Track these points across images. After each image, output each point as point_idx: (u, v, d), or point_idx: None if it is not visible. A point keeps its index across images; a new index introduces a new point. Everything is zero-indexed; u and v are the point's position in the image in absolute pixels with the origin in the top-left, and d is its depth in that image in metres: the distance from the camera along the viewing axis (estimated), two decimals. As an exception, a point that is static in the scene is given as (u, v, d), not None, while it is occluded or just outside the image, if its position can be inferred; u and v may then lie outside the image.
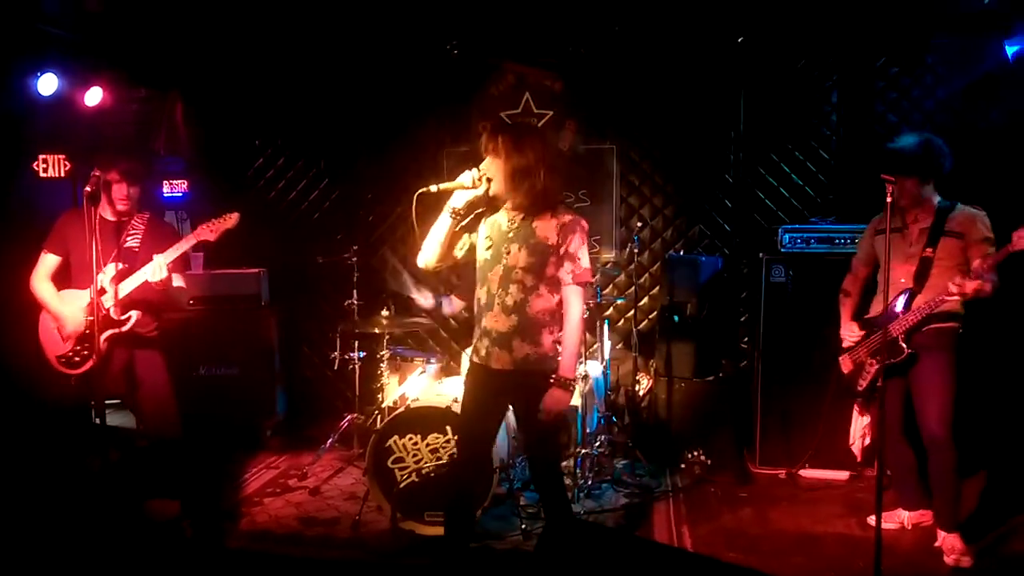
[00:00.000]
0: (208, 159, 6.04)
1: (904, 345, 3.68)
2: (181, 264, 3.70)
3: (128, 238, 3.71)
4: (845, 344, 4.02)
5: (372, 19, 5.02)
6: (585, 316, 3.18)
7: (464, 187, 3.13)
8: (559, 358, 3.10)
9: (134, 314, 3.65)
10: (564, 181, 3.08)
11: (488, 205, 3.23)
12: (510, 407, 3.34)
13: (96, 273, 3.17)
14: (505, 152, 3.08)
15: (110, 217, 3.73)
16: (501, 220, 3.20)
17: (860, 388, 3.89)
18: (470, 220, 3.25)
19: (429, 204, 3.15)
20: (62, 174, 5.42)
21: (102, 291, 3.56)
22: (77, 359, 3.66)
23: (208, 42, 5.37)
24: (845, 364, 4.00)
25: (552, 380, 3.06)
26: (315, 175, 6.15)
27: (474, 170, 3.15)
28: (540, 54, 5.52)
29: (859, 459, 4.21)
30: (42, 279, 3.72)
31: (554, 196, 3.17)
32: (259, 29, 5.24)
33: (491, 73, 5.79)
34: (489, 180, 3.12)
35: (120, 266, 3.63)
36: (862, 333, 3.93)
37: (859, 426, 4.09)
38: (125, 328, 3.64)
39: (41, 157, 5.38)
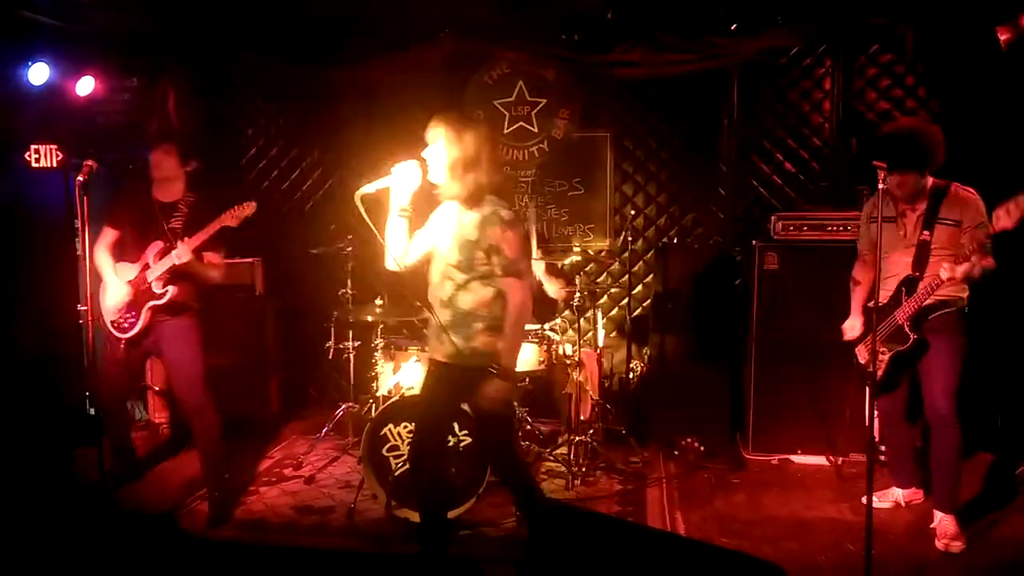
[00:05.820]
0: (201, 148, 6.01)
1: (910, 332, 3.70)
2: (212, 244, 3.99)
3: (174, 219, 4.00)
4: (846, 338, 4.05)
5: (365, 6, 4.99)
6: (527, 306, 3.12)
7: (399, 182, 3.15)
8: (496, 351, 3.10)
9: (171, 289, 3.96)
10: (503, 180, 3.10)
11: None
12: None
13: (87, 254, 3.55)
14: (447, 141, 3.10)
15: (162, 198, 4.03)
16: (447, 213, 3.22)
17: (878, 377, 3.90)
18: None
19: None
20: (54, 164, 5.39)
21: (147, 266, 3.95)
22: (125, 325, 4.01)
23: (200, 31, 5.33)
24: (861, 355, 4.01)
25: (492, 370, 3.06)
26: (308, 165, 6.14)
27: (409, 161, 3.18)
28: (533, 41, 5.50)
29: (878, 439, 4.24)
30: (101, 248, 4.04)
31: (486, 191, 3.13)
32: (251, 17, 5.21)
33: (484, 61, 5.78)
34: (429, 166, 3.12)
35: (161, 244, 3.96)
36: (863, 330, 3.96)
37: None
38: (163, 301, 3.96)
39: (33, 147, 5.36)
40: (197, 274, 4.02)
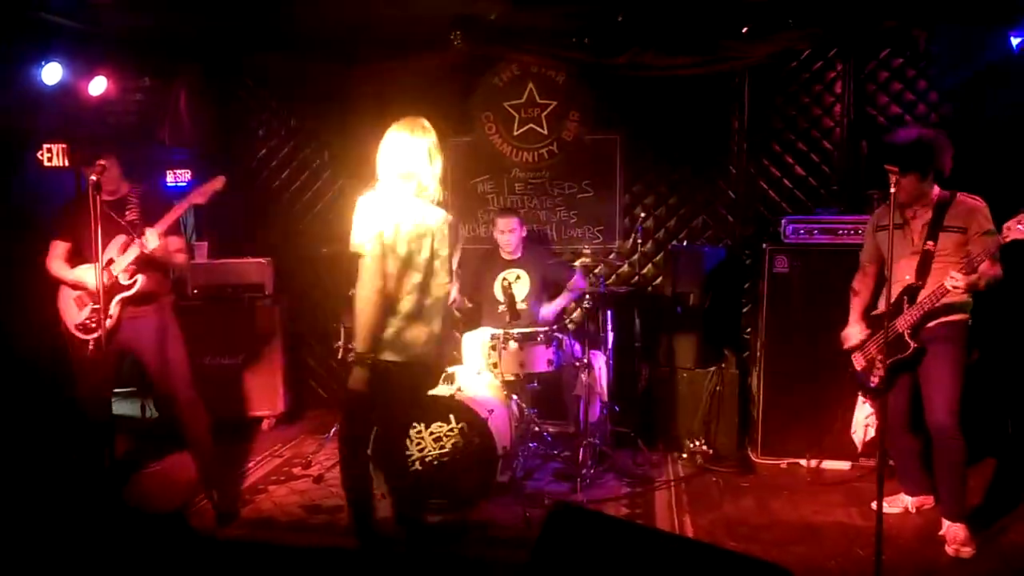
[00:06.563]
0: (212, 148, 6.05)
1: (910, 341, 3.68)
2: (174, 228, 3.99)
3: (127, 212, 3.97)
4: (845, 346, 4.03)
5: (375, 7, 5.01)
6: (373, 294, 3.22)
7: None
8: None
9: (140, 278, 3.92)
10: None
11: None
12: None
13: (100, 256, 3.42)
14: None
15: (108, 198, 3.93)
16: None
17: (873, 384, 3.89)
18: None
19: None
20: (66, 163, 5.43)
21: (111, 261, 3.85)
22: (93, 324, 3.89)
23: (213, 31, 5.36)
24: (857, 361, 3.99)
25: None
26: (319, 165, 6.16)
27: None
28: (544, 44, 5.50)
29: (860, 450, 4.23)
30: (56, 261, 3.98)
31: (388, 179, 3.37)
32: (263, 18, 5.23)
33: (494, 63, 5.78)
34: None
35: (123, 238, 3.91)
36: (862, 338, 3.96)
37: (861, 416, 4.10)
38: (133, 291, 3.91)
39: (45, 146, 5.39)
40: (165, 261, 3.99)
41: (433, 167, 3.38)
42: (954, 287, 3.47)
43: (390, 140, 3.39)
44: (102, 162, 3.54)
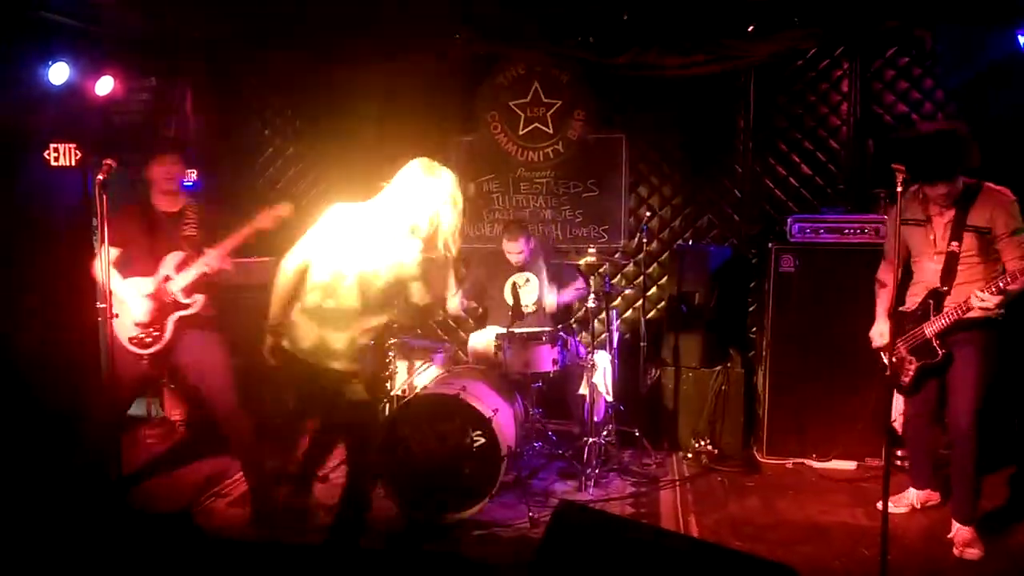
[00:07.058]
0: (217, 148, 6.06)
1: (939, 348, 3.66)
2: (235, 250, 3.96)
3: (186, 227, 3.91)
4: (874, 345, 3.99)
5: (378, 6, 5.02)
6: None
7: None
8: None
9: (200, 297, 3.88)
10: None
11: None
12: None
13: (106, 261, 3.39)
14: None
15: (167, 209, 3.91)
16: None
17: (904, 383, 3.87)
18: None
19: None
20: (73, 163, 5.44)
21: (167, 278, 3.82)
22: (149, 340, 3.85)
23: (218, 31, 5.37)
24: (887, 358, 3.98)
25: None
26: (323, 165, 6.16)
27: None
28: (547, 43, 5.50)
29: (900, 433, 4.21)
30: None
31: None
32: (268, 18, 5.24)
33: (499, 62, 5.78)
34: None
35: (181, 255, 3.86)
36: (890, 340, 3.91)
37: (900, 405, 4.09)
38: (192, 311, 3.87)
39: (52, 146, 5.40)
40: (220, 281, 3.95)
41: (431, 212, 3.34)
42: (982, 307, 3.44)
43: (401, 175, 3.43)
44: (108, 161, 3.50)
